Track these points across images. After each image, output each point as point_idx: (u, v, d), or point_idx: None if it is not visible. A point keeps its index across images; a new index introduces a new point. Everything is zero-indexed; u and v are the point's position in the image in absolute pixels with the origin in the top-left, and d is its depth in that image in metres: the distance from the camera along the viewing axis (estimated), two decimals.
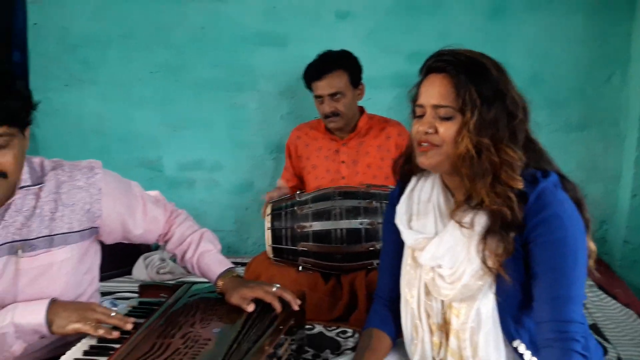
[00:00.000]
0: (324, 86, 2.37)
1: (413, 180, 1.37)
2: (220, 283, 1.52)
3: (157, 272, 2.68)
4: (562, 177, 1.24)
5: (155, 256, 2.76)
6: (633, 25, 2.64)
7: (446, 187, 1.31)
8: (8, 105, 1.19)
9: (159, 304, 1.52)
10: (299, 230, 2.17)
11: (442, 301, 1.30)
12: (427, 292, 1.31)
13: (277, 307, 1.43)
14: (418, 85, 1.27)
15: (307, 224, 2.17)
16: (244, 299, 1.43)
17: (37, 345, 1.33)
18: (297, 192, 2.29)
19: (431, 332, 1.33)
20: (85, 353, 1.24)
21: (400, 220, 1.34)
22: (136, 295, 2.41)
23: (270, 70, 2.92)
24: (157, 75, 3.00)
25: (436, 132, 1.19)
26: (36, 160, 1.39)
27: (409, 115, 1.31)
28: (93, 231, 1.45)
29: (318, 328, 2.14)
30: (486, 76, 1.17)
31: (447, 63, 1.20)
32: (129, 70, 3.00)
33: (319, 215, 2.17)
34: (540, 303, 1.18)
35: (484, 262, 1.18)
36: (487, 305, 1.22)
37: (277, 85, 2.94)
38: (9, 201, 1.31)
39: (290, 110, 2.96)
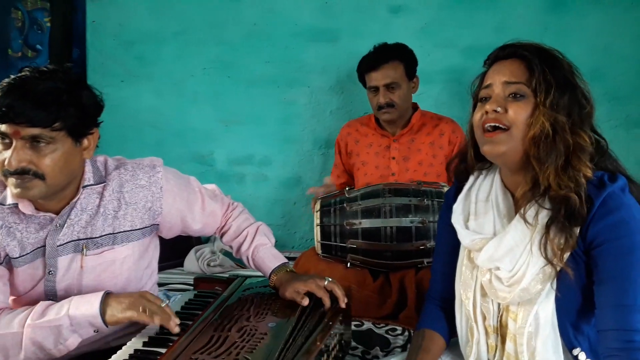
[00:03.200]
0: (379, 76, 2.35)
1: (470, 179, 1.34)
2: (274, 277, 1.53)
3: (208, 265, 2.73)
4: (630, 181, 1.19)
5: (206, 249, 2.81)
6: None
7: (505, 186, 1.28)
8: (54, 110, 1.20)
9: (214, 297, 1.55)
10: (347, 227, 2.16)
11: (499, 303, 1.27)
12: (484, 294, 1.29)
13: (327, 303, 1.44)
14: (481, 76, 1.25)
15: (356, 221, 2.16)
16: (298, 293, 1.44)
17: (91, 339, 1.35)
18: (346, 189, 2.28)
19: (487, 334, 1.30)
20: (145, 344, 1.27)
21: (456, 220, 1.31)
22: (187, 287, 2.51)
23: (322, 65, 2.92)
24: (210, 71, 3.05)
25: (505, 112, 1.16)
26: (100, 159, 1.43)
27: (469, 109, 1.28)
28: (154, 228, 1.48)
29: (367, 325, 2.13)
30: (559, 63, 1.16)
31: (516, 48, 1.19)
32: (182, 66, 3.07)
33: (368, 213, 2.16)
34: (604, 311, 1.13)
35: (546, 257, 1.15)
36: (546, 309, 1.19)
37: (328, 80, 2.94)
38: (73, 200, 1.35)
39: (339, 105, 2.96)
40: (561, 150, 1.13)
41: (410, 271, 2.20)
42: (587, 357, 1.21)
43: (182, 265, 2.79)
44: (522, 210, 1.19)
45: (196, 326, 1.32)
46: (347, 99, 2.93)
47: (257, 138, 3.08)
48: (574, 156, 1.13)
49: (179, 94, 3.10)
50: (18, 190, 1.23)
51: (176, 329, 1.26)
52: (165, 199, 1.45)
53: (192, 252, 2.81)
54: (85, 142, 1.32)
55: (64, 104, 1.22)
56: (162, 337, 1.29)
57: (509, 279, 1.20)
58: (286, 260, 1.59)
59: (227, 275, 1.71)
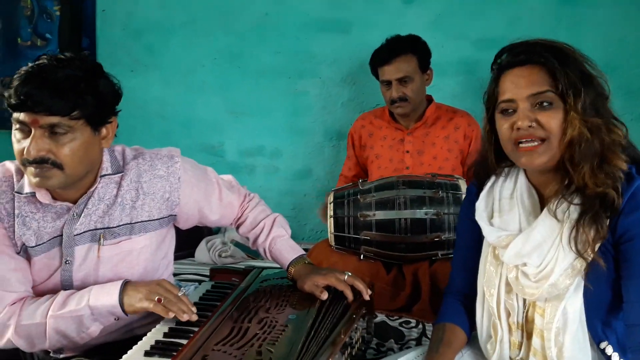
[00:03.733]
0: (392, 70, 2.33)
1: (493, 177, 1.33)
2: (291, 270, 1.52)
3: (219, 256, 2.72)
4: None
5: (217, 240, 2.81)
6: None
7: (531, 183, 1.26)
8: (72, 98, 1.19)
9: (231, 288, 1.54)
10: (361, 219, 2.15)
11: (524, 299, 1.26)
12: (508, 290, 1.27)
13: (350, 295, 1.43)
14: (495, 83, 1.21)
15: (370, 213, 2.15)
16: (317, 287, 1.43)
17: (113, 326, 1.36)
18: (360, 181, 2.27)
19: (510, 331, 1.29)
20: (165, 335, 1.26)
21: (480, 216, 1.30)
22: (199, 277, 2.50)
23: (333, 56, 2.90)
24: (219, 61, 3.03)
25: (539, 124, 1.13)
26: (118, 148, 1.42)
27: (482, 110, 1.27)
28: (171, 218, 1.47)
29: (380, 317, 2.12)
30: (573, 59, 1.13)
31: (528, 54, 1.15)
32: (191, 56, 3.04)
33: (382, 204, 2.15)
34: (633, 305, 1.13)
35: (577, 250, 1.13)
36: (575, 305, 1.17)
37: (339, 72, 2.91)
38: (91, 189, 1.33)
39: (351, 97, 2.94)
40: (598, 150, 1.11)
41: (424, 263, 2.19)
42: (613, 351, 1.20)
43: (193, 256, 2.78)
44: (551, 206, 1.18)
45: (215, 317, 1.31)
46: (358, 91, 2.91)
47: (267, 129, 3.06)
48: (610, 152, 1.11)
49: (187, 84, 3.08)
50: (37, 179, 1.22)
51: (192, 317, 1.26)
52: (183, 189, 1.43)
53: (203, 242, 2.80)
54: (104, 131, 1.31)
55: (82, 92, 1.20)
56: (183, 327, 1.28)
57: (537, 275, 1.19)
58: (304, 252, 1.58)
59: (243, 267, 1.71)
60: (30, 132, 1.19)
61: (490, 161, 1.28)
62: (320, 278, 1.44)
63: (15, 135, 1.22)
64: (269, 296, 1.45)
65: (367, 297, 1.45)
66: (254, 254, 2.80)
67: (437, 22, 2.76)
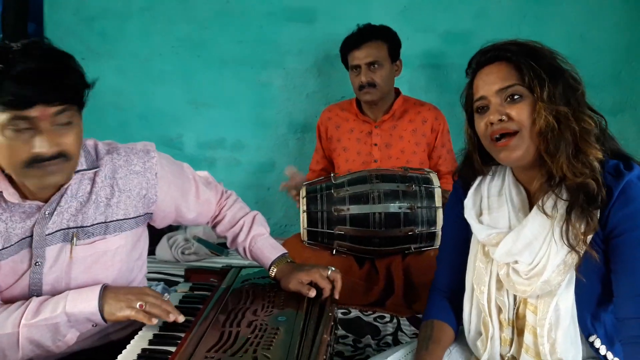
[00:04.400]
0: (362, 55, 2.30)
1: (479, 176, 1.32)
2: (274, 269, 1.47)
3: (182, 253, 2.63)
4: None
5: (179, 236, 2.70)
6: None
7: (518, 181, 1.26)
8: (68, 83, 1.13)
9: (210, 289, 1.47)
10: (335, 214, 2.12)
11: (515, 296, 1.26)
12: (499, 287, 1.27)
13: (328, 293, 1.40)
14: (469, 85, 1.25)
15: (344, 207, 2.11)
16: (303, 285, 1.39)
17: (88, 332, 1.28)
18: (332, 175, 2.23)
19: (501, 328, 1.29)
20: (151, 342, 1.19)
21: (469, 214, 1.30)
22: (161, 276, 2.40)
23: (298, 47, 2.83)
24: (178, 50, 2.91)
25: (509, 118, 1.15)
26: (90, 142, 1.33)
27: (464, 121, 1.28)
28: (147, 217, 1.40)
29: (354, 313, 2.10)
30: (541, 54, 1.15)
31: (496, 51, 1.19)
32: (149, 44, 2.91)
33: (356, 199, 2.12)
34: (624, 300, 1.14)
35: (569, 244, 1.14)
36: (567, 300, 1.18)
37: (304, 62, 2.85)
38: (65, 186, 1.24)
39: (316, 88, 2.88)
40: (569, 139, 1.12)
41: (397, 257, 2.18)
42: (602, 343, 1.22)
43: (153, 254, 2.67)
44: (540, 202, 1.18)
45: (201, 322, 1.24)
46: (324, 82, 2.86)
47: (229, 121, 2.97)
48: (582, 141, 1.12)
49: (144, 73, 2.95)
50: (44, 179, 1.14)
51: (179, 318, 1.21)
52: (160, 186, 1.35)
53: (164, 239, 2.69)
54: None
55: (71, 76, 1.13)
56: (168, 334, 1.22)
57: (529, 272, 1.19)
58: (285, 251, 1.53)
59: (220, 266, 1.63)
60: (30, 130, 1.10)
61: (476, 162, 1.29)
62: (304, 275, 1.40)
63: (9, 135, 1.10)
64: (253, 297, 1.39)
65: (336, 295, 1.42)
66: (218, 250, 2.72)
67: (404, 13, 2.74)
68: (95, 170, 1.28)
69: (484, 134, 1.21)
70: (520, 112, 1.15)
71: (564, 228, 1.14)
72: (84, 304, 1.18)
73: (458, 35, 2.72)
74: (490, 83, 1.17)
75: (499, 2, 2.66)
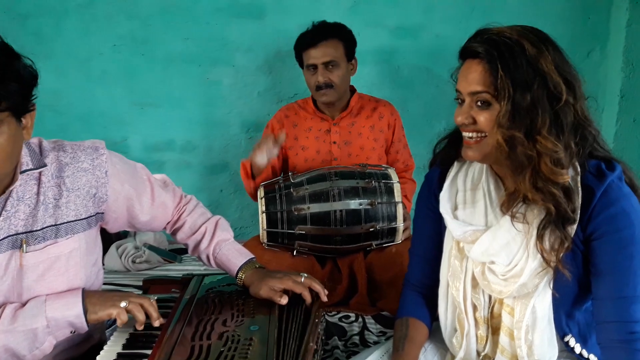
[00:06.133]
0: (318, 54, 2.24)
1: (455, 165, 1.29)
2: (242, 275, 1.41)
3: (133, 262, 2.50)
4: (624, 168, 1.18)
5: (128, 244, 2.57)
6: (612, 2, 2.67)
7: (495, 174, 1.23)
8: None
9: (173, 301, 1.40)
10: (295, 213, 2.06)
11: (490, 295, 1.24)
12: (474, 285, 1.25)
13: (308, 298, 1.35)
14: (458, 69, 1.19)
15: (304, 206, 2.06)
16: (275, 292, 1.33)
17: (62, 341, 1.22)
18: (290, 174, 2.18)
19: (477, 325, 1.27)
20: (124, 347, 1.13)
21: (444, 209, 1.26)
22: (112, 287, 2.28)
23: (247, 44, 2.74)
24: (120, 48, 2.76)
25: (474, 122, 1.12)
26: (34, 141, 1.23)
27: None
28: (99, 217, 1.31)
29: None
30: (521, 59, 1.05)
31: (480, 45, 1.09)
32: (88, 43, 2.74)
33: (316, 197, 2.07)
34: (604, 302, 1.13)
35: (543, 258, 1.12)
36: (543, 303, 1.17)
37: (254, 60, 2.77)
38: (10, 188, 1.14)
39: (268, 86, 2.81)
40: (525, 163, 1.08)
41: (359, 255, 2.16)
42: (576, 342, 1.22)
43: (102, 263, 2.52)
44: (512, 211, 1.14)
45: (168, 336, 1.17)
46: (275, 80, 2.79)
47: (178, 122, 2.85)
48: (542, 165, 1.07)
49: (84, 74, 2.77)
50: None
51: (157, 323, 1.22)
52: (111, 184, 1.28)
53: (112, 248, 2.55)
54: (23, 121, 1.12)
55: (5, 79, 1.02)
56: (134, 352, 1.15)
57: (506, 274, 1.17)
58: (252, 256, 1.47)
59: (181, 275, 1.55)
60: None
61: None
62: (276, 282, 1.34)
63: None
64: (221, 307, 1.33)
65: (325, 298, 1.38)
66: (171, 256, 2.61)
67: (354, 9, 2.71)
68: (41, 169, 1.18)
69: (457, 125, 1.17)
70: (486, 120, 1.11)
71: (537, 242, 1.12)
72: (66, 307, 1.15)
73: (408, 30, 2.71)
74: (467, 82, 1.12)
75: None
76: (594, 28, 2.70)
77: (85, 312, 1.17)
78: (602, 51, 2.72)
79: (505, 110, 1.06)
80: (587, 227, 1.11)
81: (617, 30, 2.64)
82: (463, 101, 1.15)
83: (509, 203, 1.14)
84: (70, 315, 1.16)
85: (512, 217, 1.14)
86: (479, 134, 1.13)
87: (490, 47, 1.08)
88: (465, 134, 1.15)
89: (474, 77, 1.11)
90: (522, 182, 1.09)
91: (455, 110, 1.17)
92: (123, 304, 1.18)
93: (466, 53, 1.15)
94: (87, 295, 1.20)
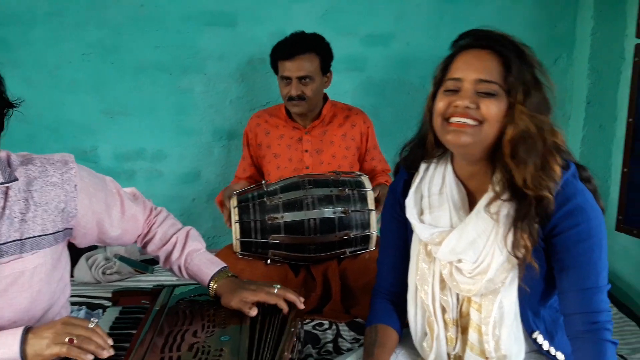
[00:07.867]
0: (293, 67, 2.24)
1: (420, 170, 1.30)
2: (214, 285, 1.39)
3: (104, 273, 2.45)
4: (578, 166, 1.23)
5: (98, 255, 2.52)
6: (578, 9, 2.72)
7: (458, 178, 1.26)
8: None
9: (143, 312, 1.37)
10: (269, 222, 2.06)
11: (458, 295, 1.26)
12: (442, 287, 1.27)
13: (285, 308, 1.34)
14: (448, 60, 1.19)
15: (278, 215, 2.06)
16: (245, 303, 1.32)
17: None
18: (264, 182, 2.17)
19: (446, 327, 1.29)
20: None
21: (410, 214, 1.28)
22: (82, 299, 2.23)
23: (219, 52, 2.73)
24: (90, 57, 2.72)
25: (477, 108, 1.12)
26: (2, 154, 1.20)
27: (427, 96, 1.23)
28: (67, 233, 1.28)
29: None
30: (530, 60, 1.13)
31: (491, 40, 1.14)
32: (57, 51, 2.69)
33: (290, 206, 2.07)
34: (569, 295, 1.17)
35: (513, 253, 1.14)
36: (510, 298, 1.20)
37: (226, 68, 2.75)
38: None
39: (240, 94, 2.80)
40: (540, 150, 1.12)
41: (333, 263, 2.16)
42: (544, 339, 1.25)
43: (71, 275, 2.47)
44: (482, 203, 1.18)
45: (137, 349, 1.15)
46: (248, 88, 2.79)
47: (149, 130, 2.81)
48: (550, 156, 1.12)
49: (53, 82, 2.73)
50: None
51: (110, 351, 1.11)
52: (80, 199, 1.25)
53: (82, 260, 2.50)
54: None
55: None
56: None
57: (473, 270, 1.19)
58: (225, 265, 1.45)
59: (151, 286, 1.52)
60: None
61: (429, 142, 1.25)
62: (249, 294, 1.33)
63: None
64: (192, 317, 1.31)
65: (301, 306, 1.37)
66: (142, 267, 2.57)
67: (326, 17, 2.72)
68: (9, 184, 1.15)
69: (441, 112, 1.16)
70: (490, 108, 1.11)
71: (510, 238, 1.14)
72: (2, 350, 1.06)
73: (379, 38, 2.74)
74: (472, 69, 1.12)
75: (418, 4, 2.70)
76: (560, 36, 2.76)
77: (25, 355, 1.08)
78: (568, 58, 2.78)
79: (530, 98, 1.11)
80: (547, 224, 1.15)
81: (582, 38, 2.70)
82: (455, 90, 1.15)
83: (480, 192, 1.20)
84: (6, 357, 1.07)
85: (486, 208, 1.16)
86: (475, 121, 1.13)
87: (504, 42, 1.13)
88: (460, 119, 1.13)
89: (484, 66, 1.12)
90: (529, 171, 1.11)
91: (441, 98, 1.16)
92: (67, 339, 1.09)
93: (470, 45, 1.16)
94: (29, 334, 1.10)
